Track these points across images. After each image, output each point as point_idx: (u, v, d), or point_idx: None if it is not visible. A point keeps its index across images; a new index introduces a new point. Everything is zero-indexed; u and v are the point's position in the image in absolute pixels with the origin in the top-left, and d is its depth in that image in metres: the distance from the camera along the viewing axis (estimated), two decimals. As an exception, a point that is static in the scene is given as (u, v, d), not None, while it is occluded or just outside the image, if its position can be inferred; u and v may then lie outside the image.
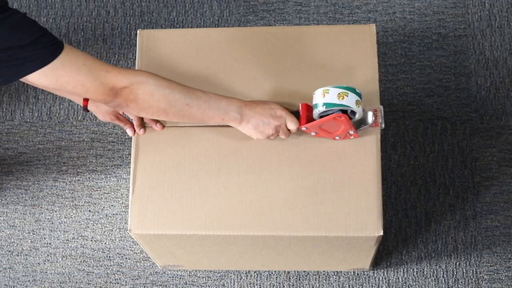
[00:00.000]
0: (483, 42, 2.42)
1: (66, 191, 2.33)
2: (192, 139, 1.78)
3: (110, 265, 2.26)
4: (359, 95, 1.65)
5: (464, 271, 2.21)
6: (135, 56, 1.90)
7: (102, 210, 2.31)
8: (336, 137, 1.73)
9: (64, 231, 2.30)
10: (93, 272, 2.26)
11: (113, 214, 2.30)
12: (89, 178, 2.34)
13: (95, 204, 2.31)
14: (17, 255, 2.28)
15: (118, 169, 2.34)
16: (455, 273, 2.21)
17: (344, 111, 1.65)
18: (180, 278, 2.24)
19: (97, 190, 2.33)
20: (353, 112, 1.66)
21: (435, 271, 2.22)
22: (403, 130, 2.34)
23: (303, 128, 1.70)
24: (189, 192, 1.74)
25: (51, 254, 2.28)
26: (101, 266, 2.26)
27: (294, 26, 2.32)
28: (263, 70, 1.82)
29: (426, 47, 2.43)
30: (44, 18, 2.51)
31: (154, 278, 2.24)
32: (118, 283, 2.25)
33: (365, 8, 2.48)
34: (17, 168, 2.36)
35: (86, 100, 1.78)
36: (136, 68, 1.85)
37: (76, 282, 2.25)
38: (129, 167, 2.32)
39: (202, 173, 1.75)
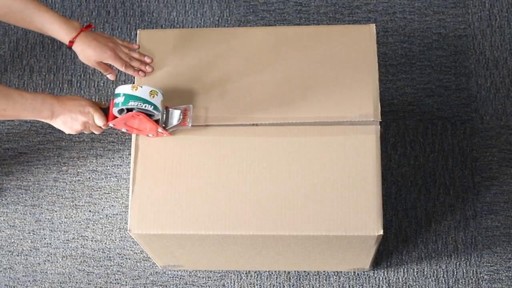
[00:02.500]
0: (483, 42, 2.42)
1: (66, 191, 2.33)
2: (191, 139, 1.78)
3: (110, 265, 2.26)
4: (155, 95, 1.71)
5: (465, 271, 2.21)
6: (135, 56, 1.90)
7: (102, 210, 2.31)
8: (150, 135, 1.77)
9: (64, 231, 2.30)
10: (93, 272, 2.26)
11: (113, 214, 2.30)
12: (89, 178, 2.34)
13: (95, 204, 2.31)
14: (17, 255, 2.28)
15: (118, 169, 2.34)
16: (455, 273, 2.21)
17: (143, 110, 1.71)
18: (180, 278, 2.24)
19: (97, 190, 2.33)
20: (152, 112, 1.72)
21: (435, 271, 2.21)
22: (403, 130, 2.34)
23: (111, 125, 1.74)
24: (189, 192, 1.74)
25: (51, 254, 2.28)
26: (101, 266, 2.26)
27: (294, 26, 2.32)
28: (263, 70, 1.82)
29: (426, 47, 2.43)
30: (44, 19, 2.51)
31: (154, 278, 2.24)
32: (118, 283, 2.25)
33: (365, 8, 2.48)
34: (17, 168, 2.36)
35: (71, 42, 1.78)
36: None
37: (76, 282, 2.25)
38: (129, 167, 2.32)
39: (202, 173, 1.75)
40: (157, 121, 1.74)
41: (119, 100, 1.70)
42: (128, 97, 1.69)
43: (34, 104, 1.70)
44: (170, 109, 1.77)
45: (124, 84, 1.84)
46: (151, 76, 1.84)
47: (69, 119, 1.73)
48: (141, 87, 1.70)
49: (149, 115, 1.72)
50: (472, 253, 2.22)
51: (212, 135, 1.78)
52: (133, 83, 1.82)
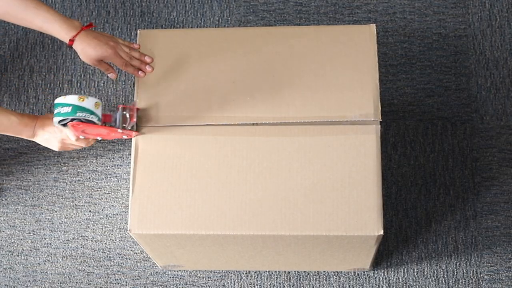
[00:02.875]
0: (484, 42, 2.42)
1: (67, 191, 2.33)
2: (191, 139, 1.78)
3: (111, 265, 2.26)
4: (90, 102, 1.72)
5: (465, 271, 2.21)
6: (135, 56, 1.90)
7: (102, 210, 2.31)
8: (124, 137, 1.79)
9: (64, 231, 2.30)
10: (93, 273, 2.26)
11: (114, 214, 2.30)
12: (89, 178, 2.34)
13: (96, 204, 2.31)
14: (18, 255, 2.28)
15: (118, 169, 2.34)
16: (455, 273, 2.21)
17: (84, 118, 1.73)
18: (181, 278, 2.24)
19: (98, 190, 2.33)
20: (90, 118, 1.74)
21: (435, 271, 2.21)
22: (403, 130, 2.34)
23: (81, 137, 1.77)
24: (189, 192, 1.74)
25: (51, 254, 2.28)
26: (101, 267, 2.26)
27: (294, 26, 2.32)
28: (263, 70, 1.82)
29: (426, 47, 2.43)
30: (44, 19, 2.51)
31: (154, 278, 2.24)
32: (118, 283, 2.25)
33: (365, 8, 2.48)
34: (18, 168, 2.36)
35: (71, 40, 1.79)
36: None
37: (77, 283, 2.25)
38: (129, 167, 2.32)
39: (202, 173, 1.75)
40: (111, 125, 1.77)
41: (65, 110, 1.70)
42: (76, 108, 1.70)
43: (16, 127, 1.76)
44: (123, 108, 1.79)
45: (68, 94, 1.86)
46: (150, 75, 1.84)
47: (47, 137, 1.78)
48: (87, 98, 1.71)
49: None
50: (472, 253, 2.22)
51: (212, 135, 1.78)
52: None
